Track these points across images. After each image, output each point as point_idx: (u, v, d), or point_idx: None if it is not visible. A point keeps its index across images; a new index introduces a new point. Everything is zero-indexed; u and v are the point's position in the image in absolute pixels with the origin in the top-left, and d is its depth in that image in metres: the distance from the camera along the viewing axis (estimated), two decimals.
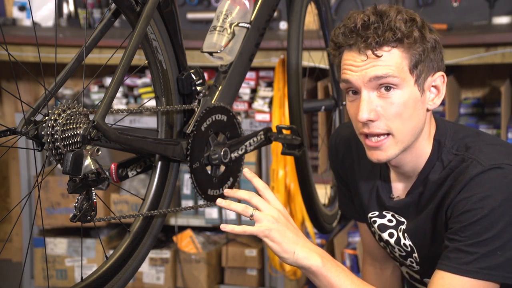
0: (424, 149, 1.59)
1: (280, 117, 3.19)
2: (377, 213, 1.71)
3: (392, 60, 1.48)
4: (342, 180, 1.86)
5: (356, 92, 1.52)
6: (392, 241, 1.69)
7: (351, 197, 1.83)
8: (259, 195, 1.49)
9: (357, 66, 1.50)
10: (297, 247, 1.43)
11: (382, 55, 1.48)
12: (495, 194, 1.46)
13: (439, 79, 1.55)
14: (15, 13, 4.03)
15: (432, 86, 1.55)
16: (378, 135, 1.52)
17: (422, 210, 1.61)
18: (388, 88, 1.49)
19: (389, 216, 1.69)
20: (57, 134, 1.31)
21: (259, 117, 3.38)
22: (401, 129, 1.51)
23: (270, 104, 3.36)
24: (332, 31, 1.56)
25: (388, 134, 1.52)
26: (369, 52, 1.48)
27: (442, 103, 3.28)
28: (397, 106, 1.49)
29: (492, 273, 1.46)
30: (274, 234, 1.42)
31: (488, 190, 1.47)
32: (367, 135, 1.53)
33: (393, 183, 1.68)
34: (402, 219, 1.67)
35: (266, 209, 1.45)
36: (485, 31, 3.24)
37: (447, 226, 1.53)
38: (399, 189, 1.67)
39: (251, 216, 1.43)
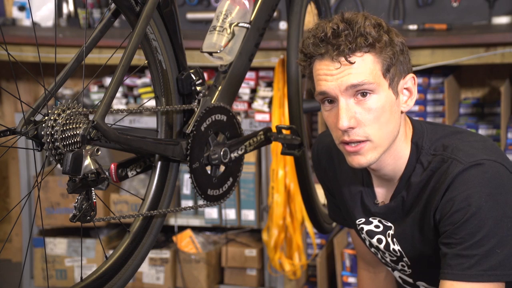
0: (402, 151, 1.59)
1: (280, 117, 3.19)
2: (363, 219, 1.71)
3: (365, 66, 1.49)
4: (328, 188, 1.87)
5: (332, 101, 1.52)
6: (381, 246, 1.69)
7: (338, 205, 1.84)
8: None
9: (331, 75, 1.50)
10: None
11: (355, 62, 1.48)
12: (480, 191, 1.47)
13: (410, 81, 1.57)
14: (15, 13, 4.02)
15: (404, 88, 1.57)
16: (358, 141, 1.52)
17: (407, 214, 1.62)
18: (364, 94, 1.49)
19: (375, 222, 1.69)
20: (56, 134, 1.31)
21: (258, 117, 3.38)
22: (379, 134, 1.51)
23: (270, 104, 3.36)
24: (300, 42, 1.56)
25: (366, 140, 1.52)
26: (342, 59, 1.48)
27: (442, 103, 3.28)
28: (375, 111, 1.50)
29: (497, 273, 1.46)
30: None
31: (472, 187, 1.48)
32: (347, 142, 1.53)
33: (376, 188, 1.68)
34: (389, 224, 1.67)
35: None
36: (484, 31, 3.24)
37: (437, 230, 1.54)
38: (382, 194, 1.68)
39: None
